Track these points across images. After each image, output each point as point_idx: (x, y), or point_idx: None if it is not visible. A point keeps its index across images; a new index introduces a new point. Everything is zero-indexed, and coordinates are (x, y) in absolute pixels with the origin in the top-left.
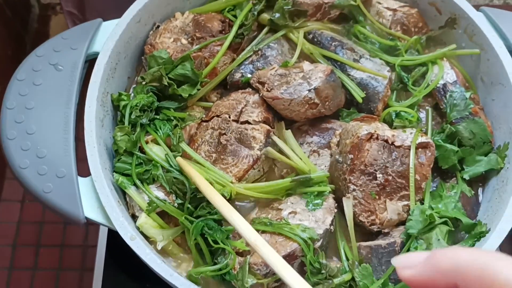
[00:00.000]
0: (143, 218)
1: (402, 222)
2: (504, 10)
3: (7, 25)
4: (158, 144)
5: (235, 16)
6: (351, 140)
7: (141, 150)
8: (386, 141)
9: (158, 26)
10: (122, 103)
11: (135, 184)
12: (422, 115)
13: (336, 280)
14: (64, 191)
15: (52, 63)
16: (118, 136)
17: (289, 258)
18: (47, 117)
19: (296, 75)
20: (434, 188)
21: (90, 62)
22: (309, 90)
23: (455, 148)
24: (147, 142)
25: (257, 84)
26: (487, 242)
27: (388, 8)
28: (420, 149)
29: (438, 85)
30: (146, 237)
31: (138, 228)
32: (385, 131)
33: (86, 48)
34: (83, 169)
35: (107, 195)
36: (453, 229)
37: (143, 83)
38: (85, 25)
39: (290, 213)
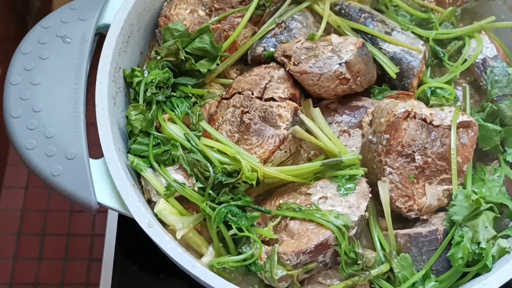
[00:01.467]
0: (161, 204)
1: (441, 209)
2: None
3: (8, 4)
4: (175, 123)
5: None
6: (387, 118)
7: (158, 129)
8: (424, 120)
9: None
10: (136, 79)
11: (151, 167)
12: (459, 92)
13: (374, 272)
14: (75, 174)
15: (59, 35)
16: (132, 116)
17: (322, 247)
18: (55, 94)
19: (325, 48)
20: (474, 172)
21: (100, 35)
22: (340, 64)
23: (498, 128)
24: (164, 121)
25: (282, 58)
26: None
27: None
28: (461, 129)
29: (477, 60)
30: (164, 224)
31: (155, 215)
32: (423, 109)
33: (96, 19)
34: (95, 152)
35: (122, 178)
36: (499, 215)
37: (158, 58)
38: None
39: (320, 198)
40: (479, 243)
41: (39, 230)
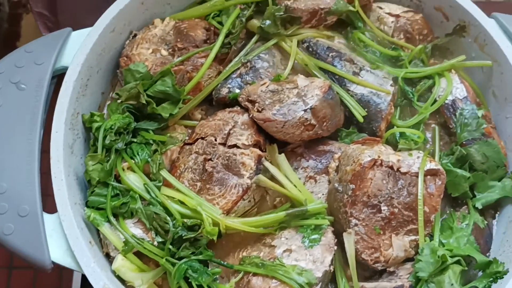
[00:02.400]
0: (119, 261)
1: (409, 259)
2: None
3: None
4: (135, 172)
5: (220, 23)
6: (352, 167)
7: (117, 178)
8: (391, 167)
9: (135, 35)
10: (95, 125)
11: (109, 220)
12: (429, 134)
13: None
14: (27, 232)
15: (13, 81)
16: (89, 166)
17: None
18: (7, 145)
19: (290, 92)
20: (443, 218)
21: (59, 77)
22: (305, 110)
23: (466, 174)
24: (124, 170)
25: (246, 102)
26: (506, 286)
27: (390, 14)
28: (428, 177)
29: (446, 101)
30: (123, 281)
31: (114, 272)
32: (390, 156)
33: (53, 63)
34: (50, 202)
35: (77, 236)
36: (466, 268)
37: (119, 101)
38: (52, 36)
39: (284, 251)
40: None
41: (6, 263)
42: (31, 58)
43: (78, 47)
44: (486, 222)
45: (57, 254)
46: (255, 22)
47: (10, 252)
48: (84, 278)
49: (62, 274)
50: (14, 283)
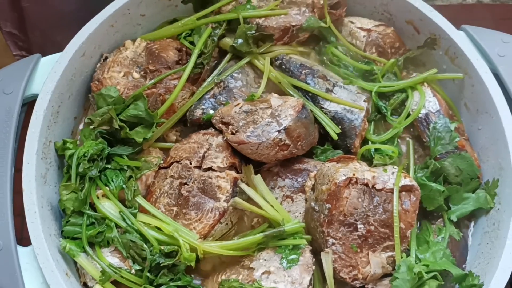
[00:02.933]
0: None
1: (387, 275)
2: (485, 28)
3: None
4: (110, 199)
5: (192, 43)
6: (328, 186)
7: (93, 206)
8: (366, 184)
9: (106, 58)
10: (68, 152)
11: (85, 250)
12: (404, 148)
13: None
14: (2, 266)
15: None
16: (64, 195)
17: None
18: None
19: (264, 112)
20: (419, 230)
21: (29, 104)
22: (279, 131)
23: (441, 188)
24: (98, 197)
25: (220, 124)
26: None
27: (361, 28)
28: (403, 193)
29: (420, 115)
30: None
31: None
32: (365, 173)
33: (22, 91)
34: (25, 229)
35: (52, 270)
36: (442, 283)
37: (91, 127)
38: (20, 63)
39: (263, 273)
40: None
41: None
42: (0, 87)
43: (48, 74)
44: (461, 234)
45: None
46: (228, 41)
47: None
48: None
49: None
50: None
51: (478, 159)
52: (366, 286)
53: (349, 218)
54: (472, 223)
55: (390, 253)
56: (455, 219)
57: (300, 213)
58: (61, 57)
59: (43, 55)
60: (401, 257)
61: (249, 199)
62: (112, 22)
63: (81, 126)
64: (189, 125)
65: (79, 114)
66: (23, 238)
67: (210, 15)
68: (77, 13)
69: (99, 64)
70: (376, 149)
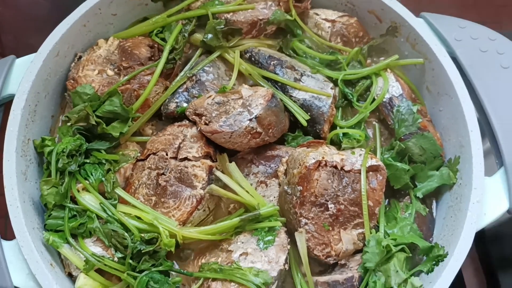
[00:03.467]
0: (81, 280)
1: (358, 251)
2: (443, 15)
3: None
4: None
5: (163, 39)
6: (299, 170)
7: (73, 200)
8: (335, 167)
9: (80, 57)
10: (47, 149)
11: (68, 242)
12: (370, 131)
13: None
14: None
15: None
16: (44, 190)
17: None
18: None
19: (235, 103)
20: (388, 209)
21: (6, 104)
22: (250, 120)
23: (406, 167)
24: (78, 191)
25: (194, 116)
26: (446, 268)
27: (326, 20)
28: (370, 173)
29: (384, 100)
30: None
31: None
32: (333, 156)
33: None
34: (9, 228)
35: (37, 260)
36: (410, 255)
37: (69, 124)
38: None
39: (241, 254)
40: (391, 287)
41: None
42: None
43: (23, 75)
44: (427, 209)
45: (19, 279)
46: (198, 36)
47: None
48: None
49: None
50: None
51: (440, 139)
52: (339, 262)
53: (320, 199)
54: (438, 200)
55: (360, 230)
56: (421, 196)
57: (274, 197)
58: (35, 58)
59: (17, 57)
60: (371, 233)
61: (225, 186)
62: (84, 21)
63: (59, 125)
64: (164, 118)
65: (56, 113)
66: (7, 234)
67: (180, 12)
68: (49, 16)
69: (73, 63)
70: (344, 134)
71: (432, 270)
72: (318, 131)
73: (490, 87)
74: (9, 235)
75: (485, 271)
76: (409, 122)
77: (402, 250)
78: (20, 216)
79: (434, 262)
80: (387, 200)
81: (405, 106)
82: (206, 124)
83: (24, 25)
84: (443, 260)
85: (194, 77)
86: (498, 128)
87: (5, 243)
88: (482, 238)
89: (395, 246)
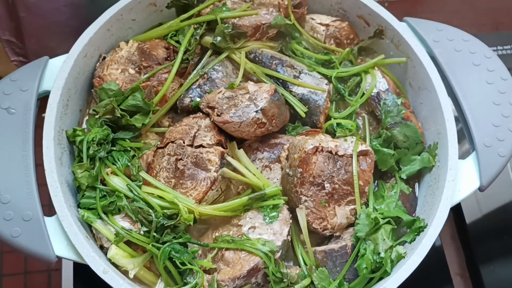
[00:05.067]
0: (113, 250)
1: (351, 224)
2: (423, 19)
3: None
4: (118, 176)
5: (178, 42)
6: (299, 154)
7: (103, 182)
8: (330, 152)
9: (104, 58)
10: (78, 138)
11: (100, 218)
12: (360, 121)
13: (297, 286)
14: (33, 233)
15: (4, 107)
16: (78, 174)
17: (253, 271)
18: (5, 162)
19: (243, 97)
20: (376, 189)
21: (41, 100)
22: (256, 111)
23: (391, 152)
24: (108, 174)
25: (207, 109)
26: (426, 236)
27: (321, 24)
28: (361, 157)
29: (372, 94)
30: (117, 266)
31: (109, 260)
32: (329, 143)
33: (36, 88)
34: (48, 207)
35: (75, 232)
36: (395, 226)
37: (96, 116)
38: (32, 65)
39: (250, 228)
40: (379, 253)
41: None
42: (17, 85)
43: (57, 73)
44: (411, 189)
45: (60, 249)
46: (208, 39)
47: (20, 252)
48: (75, 276)
49: (50, 277)
50: None
51: (421, 128)
52: (334, 234)
53: (317, 179)
54: (419, 181)
55: (352, 206)
56: (404, 177)
57: (277, 179)
58: (67, 58)
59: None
60: (361, 209)
61: (234, 170)
62: (108, 26)
63: (85, 119)
64: (179, 112)
65: (83, 108)
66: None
67: (192, 18)
68: (68, 22)
69: (98, 63)
70: (337, 124)
71: (415, 240)
72: (315, 121)
73: (464, 82)
74: (48, 213)
75: (464, 249)
76: (394, 113)
77: (389, 222)
78: (60, 195)
79: (416, 233)
80: (376, 182)
81: (390, 99)
82: (218, 115)
83: (45, 30)
84: (423, 231)
85: (205, 75)
86: (471, 118)
87: (47, 219)
88: (462, 220)
89: (382, 219)
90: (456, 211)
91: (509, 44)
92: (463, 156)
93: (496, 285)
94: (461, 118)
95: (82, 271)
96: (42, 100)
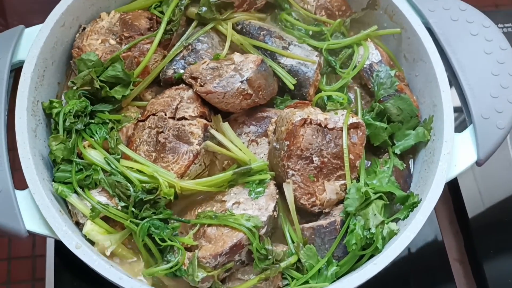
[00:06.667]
0: (88, 226)
1: (341, 201)
2: None
3: None
4: (95, 149)
5: (162, 13)
6: (286, 127)
7: (80, 156)
8: (319, 124)
9: (84, 28)
10: (55, 110)
11: (75, 192)
12: (352, 95)
13: (283, 264)
14: (2, 207)
15: None
16: (53, 146)
17: (236, 247)
18: None
19: (228, 67)
20: (369, 165)
21: (17, 70)
22: (242, 82)
23: (384, 125)
24: (85, 147)
25: (190, 79)
26: (419, 211)
27: None
28: (352, 130)
29: (364, 66)
30: (93, 244)
31: (85, 236)
32: (318, 115)
33: (10, 57)
34: (21, 181)
35: (47, 206)
36: (388, 202)
37: (74, 88)
38: (6, 33)
39: (234, 203)
40: (369, 229)
41: None
42: None
43: (32, 42)
44: (405, 165)
45: (31, 224)
46: (193, 10)
47: None
48: (57, 261)
49: (35, 263)
50: None
51: (416, 101)
52: (323, 211)
53: (305, 152)
54: (414, 157)
55: (342, 181)
56: (398, 152)
57: (264, 154)
58: (43, 27)
59: None
60: (351, 183)
61: (219, 144)
62: None
63: (64, 92)
64: (162, 84)
65: (62, 80)
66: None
67: None
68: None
69: (78, 34)
70: (328, 97)
71: (408, 216)
72: (304, 94)
73: (460, 53)
74: (20, 186)
75: (463, 234)
76: (387, 85)
77: (380, 198)
78: (32, 167)
79: (409, 209)
80: (369, 162)
81: (383, 71)
82: (201, 85)
83: (28, 7)
84: (417, 206)
85: (190, 46)
86: (468, 89)
87: (18, 192)
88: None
89: (374, 193)
90: (455, 195)
91: (509, 22)
92: (459, 130)
93: (496, 271)
94: (457, 90)
95: (67, 257)
96: (18, 72)
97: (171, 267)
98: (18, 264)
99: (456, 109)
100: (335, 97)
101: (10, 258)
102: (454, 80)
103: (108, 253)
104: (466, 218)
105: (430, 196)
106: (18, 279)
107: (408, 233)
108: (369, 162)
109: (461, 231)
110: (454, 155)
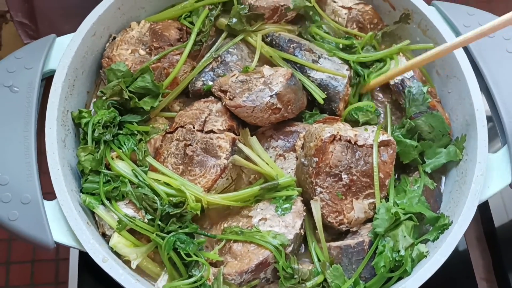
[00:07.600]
0: (115, 238)
1: (369, 219)
2: (453, 3)
3: None
4: (123, 160)
5: (191, 23)
6: (315, 143)
7: (108, 167)
8: (349, 141)
9: (114, 38)
10: (84, 120)
11: (103, 203)
12: (383, 111)
13: (309, 284)
14: (31, 217)
15: (6, 85)
16: (82, 157)
17: (262, 265)
18: (6, 142)
19: (257, 81)
20: (398, 183)
21: (47, 79)
22: (271, 96)
23: (415, 143)
24: (113, 158)
25: (219, 92)
26: (450, 234)
27: (343, 7)
28: (382, 147)
29: (396, 81)
30: (119, 256)
31: (111, 248)
32: (348, 131)
33: (41, 67)
34: (49, 190)
35: (75, 218)
36: (417, 223)
37: (104, 98)
38: (38, 42)
39: (260, 220)
40: (399, 251)
41: (4, 259)
42: (21, 63)
43: (63, 51)
44: (435, 184)
45: (59, 235)
46: (223, 21)
47: (17, 237)
48: (81, 266)
49: (58, 266)
50: (13, 277)
51: (448, 119)
52: (351, 230)
53: (334, 170)
54: (445, 175)
55: (371, 200)
56: (429, 171)
57: (291, 169)
58: (74, 36)
59: None
60: (381, 203)
61: (246, 158)
62: (119, 5)
63: (93, 101)
64: (191, 95)
65: (91, 89)
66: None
67: None
68: (82, 4)
69: (108, 44)
70: (357, 109)
71: (438, 238)
72: (333, 109)
73: (496, 70)
74: (49, 197)
75: (491, 252)
76: (419, 101)
77: (410, 218)
78: (60, 178)
79: (439, 231)
80: (397, 175)
81: (415, 87)
82: (230, 99)
83: (59, 12)
84: (448, 229)
85: (219, 58)
86: (503, 109)
87: (46, 203)
88: (490, 221)
89: (403, 214)
90: (484, 211)
91: None
92: (493, 151)
93: None
94: (492, 109)
95: (90, 262)
96: (48, 81)
97: (195, 282)
98: (42, 266)
99: (489, 128)
100: (363, 106)
101: (34, 260)
102: (488, 98)
103: (134, 266)
104: (494, 235)
105: (462, 219)
106: (41, 282)
107: (438, 256)
108: (398, 179)
109: (489, 249)
110: (487, 176)
